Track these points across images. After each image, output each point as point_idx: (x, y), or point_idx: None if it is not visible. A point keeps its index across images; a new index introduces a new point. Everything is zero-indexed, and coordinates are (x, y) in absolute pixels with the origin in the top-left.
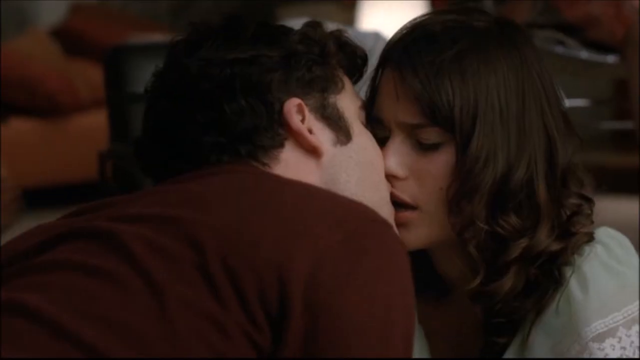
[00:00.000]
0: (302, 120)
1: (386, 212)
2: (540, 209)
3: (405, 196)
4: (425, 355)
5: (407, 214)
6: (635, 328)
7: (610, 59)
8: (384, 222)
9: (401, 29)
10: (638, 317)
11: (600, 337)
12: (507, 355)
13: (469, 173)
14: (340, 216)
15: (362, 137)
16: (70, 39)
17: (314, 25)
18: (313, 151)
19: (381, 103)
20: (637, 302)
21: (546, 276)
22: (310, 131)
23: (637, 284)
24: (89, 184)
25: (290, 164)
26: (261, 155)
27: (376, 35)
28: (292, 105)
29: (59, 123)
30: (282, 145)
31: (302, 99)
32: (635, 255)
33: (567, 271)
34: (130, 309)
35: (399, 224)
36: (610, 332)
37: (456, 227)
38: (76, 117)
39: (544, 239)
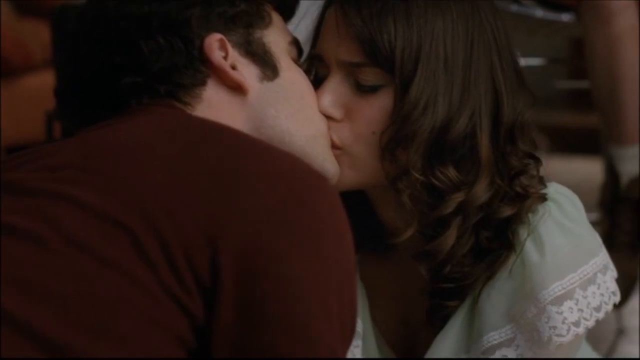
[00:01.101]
0: (225, 57)
1: (322, 144)
2: (481, 164)
3: (334, 137)
4: (366, 313)
5: (334, 152)
6: (591, 289)
7: (566, 17)
8: (318, 175)
9: None
10: (593, 277)
11: (558, 300)
12: (456, 318)
13: (406, 118)
14: (275, 171)
15: (290, 72)
16: None
17: None
18: (237, 88)
19: (323, 40)
20: (592, 262)
21: (499, 241)
22: (233, 67)
23: (590, 243)
24: (40, 144)
25: (213, 102)
26: (182, 94)
27: None
28: (213, 41)
29: (10, 84)
30: (204, 83)
31: (224, 35)
32: (584, 213)
33: (522, 233)
34: (46, 268)
35: None
36: (568, 295)
37: (390, 176)
38: (29, 78)
39: (481, 194)
